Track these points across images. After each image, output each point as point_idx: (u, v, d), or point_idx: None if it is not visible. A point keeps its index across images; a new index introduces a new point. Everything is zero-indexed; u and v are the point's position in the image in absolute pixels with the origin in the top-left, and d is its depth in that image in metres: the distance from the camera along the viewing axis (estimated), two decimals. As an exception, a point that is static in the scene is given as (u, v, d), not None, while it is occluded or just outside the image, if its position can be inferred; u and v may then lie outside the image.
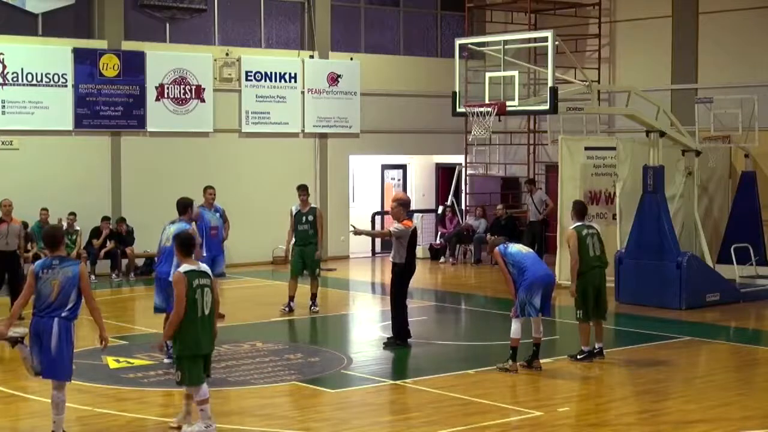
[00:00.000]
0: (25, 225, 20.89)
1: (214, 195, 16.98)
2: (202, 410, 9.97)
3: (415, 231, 14.51)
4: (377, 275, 24.67)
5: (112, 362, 13.45)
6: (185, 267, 10.01)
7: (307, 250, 17.30)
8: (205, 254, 16.52)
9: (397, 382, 12.50)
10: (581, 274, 13.44)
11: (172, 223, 13.87)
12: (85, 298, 9.82)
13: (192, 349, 9.96)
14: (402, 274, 14.50)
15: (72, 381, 9.92)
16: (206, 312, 9.97)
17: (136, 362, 13.40)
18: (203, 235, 16.50)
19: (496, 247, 13.22)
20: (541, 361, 13.16)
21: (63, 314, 9.70)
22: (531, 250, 13.51)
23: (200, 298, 9.92)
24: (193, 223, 15.61)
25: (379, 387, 12.36)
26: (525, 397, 11.89)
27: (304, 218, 17.21)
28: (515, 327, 12.94)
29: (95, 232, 21.82)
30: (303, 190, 17.36)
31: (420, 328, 17.00)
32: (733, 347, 15.30)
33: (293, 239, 17.37)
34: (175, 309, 9.92)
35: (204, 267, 10.20)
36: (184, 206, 14.20)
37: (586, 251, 13.48)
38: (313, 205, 17.22)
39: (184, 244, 10.17)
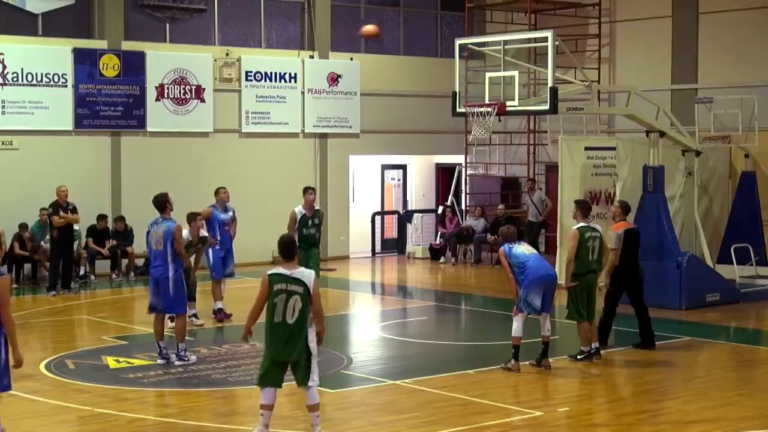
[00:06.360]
0: (24, 226, 20.95)
1: (228, 195, 17.00)
2: (261, 414, 9.82)
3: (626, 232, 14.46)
4: (377, 275, 24.67)
5: (112, 362, 13.44)
6: (275, 269, 9.62)
7: (312, 253, 16.61)
8: (218, 246, 16.74)
9: (397, 382, 12.48)
10: (577, 275, 13.46)
11: (155, 223, 13.41)
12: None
13: (268, 351, 9.74)
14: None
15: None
16: (288, 319, 9.53)
17: (136, 362, 13.39)
18: (216, 231, 16.66)
19: (501, 247, 13.30)
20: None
21: None
22: (534, 251, 13.46)
23: (280, 303, 9.51)
24: (200, 222, 15.84)
25: (379, 387, 12.35)
26: (525, 397, 11.88)
27: (310, 222, 16.61)
28: (516, 326, 13.00)
29: (91, 231, 21.77)
30: (312, 191, 16.70)
31: (420, 328, 17.06)
32: (733, 347, 15.30)
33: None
34: (254, 303, 9.72)
35: (300, 273, 9.60)
36: (160, 203, 13.48)
37: (585, 253, 13.49)
38: (317, 208, 16.91)
39: (285, 249, 9.73)
